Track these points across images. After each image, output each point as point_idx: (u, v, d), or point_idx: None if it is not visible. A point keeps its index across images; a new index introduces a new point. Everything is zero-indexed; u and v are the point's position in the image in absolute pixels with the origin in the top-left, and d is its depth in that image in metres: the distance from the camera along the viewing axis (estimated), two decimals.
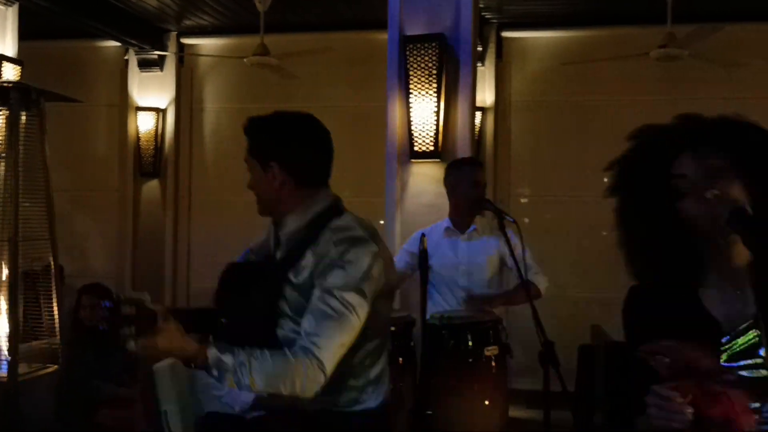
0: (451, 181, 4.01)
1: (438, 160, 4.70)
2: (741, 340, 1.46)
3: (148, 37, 7.13)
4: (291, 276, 2.10)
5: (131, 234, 7.38)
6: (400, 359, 3.63)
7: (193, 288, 7.35)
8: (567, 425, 4.50)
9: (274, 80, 6.63)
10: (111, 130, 7.58)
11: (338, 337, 2.00)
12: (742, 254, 1.47)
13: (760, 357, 1.42)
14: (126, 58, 7.39)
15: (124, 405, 4.49)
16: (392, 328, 3.63)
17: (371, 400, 2.14)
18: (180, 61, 7.37)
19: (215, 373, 1.91)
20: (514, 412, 4.45)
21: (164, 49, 7.27)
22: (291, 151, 2.18)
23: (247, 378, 1.91)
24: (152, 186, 7.39)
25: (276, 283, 2.13)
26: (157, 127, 7.32)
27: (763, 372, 1.41)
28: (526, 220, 6.85)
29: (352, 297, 2.01)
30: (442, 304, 3.91)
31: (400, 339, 3.65)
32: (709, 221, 1.44)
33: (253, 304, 2.15)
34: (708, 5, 6.05)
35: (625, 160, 1.61)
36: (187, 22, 7.08)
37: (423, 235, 3.57)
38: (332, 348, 1.99)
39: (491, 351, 3.54)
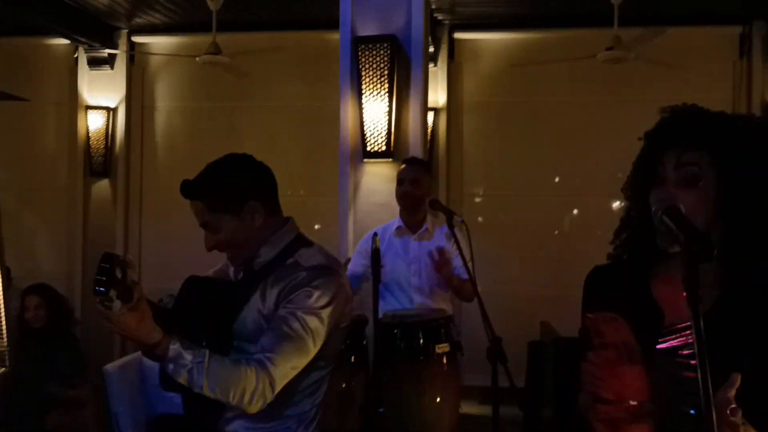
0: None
1: (390, 159, 4.75)
2: (677, 339, 1.51)
3: (98, 34, 7.01)
4: (257, 300, 2.13)
5: (81, 234, 7.25)
6: (353, 358, 3.66)
7: (144, 288, 7.25)
8: (517, 420, 4.58)
9: (227, 79, 6.59)
10: (60, 129, 7.45)
11: (294, 358, 2.03)
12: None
13: (684, 358, 1.48)
14: (75, 56, 7.26)
15: (74, 407, 4.44)
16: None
17: None
18: (131, 60, 7.27)
19: (170, 367, 1.89)
20: (467, 408, 4.52)
21: (115, 47, 7.17)
22: (264, 184, 2.23)
23: (202, 378, 1.91)
24: (102, 185, 7.29)
25: (237, 301, 2.16)
26: (107, 125, 7.20)
27: (688, 372, 1.45)
28: (480, 219, 6.96)
29: (313, 322, 2.05)
30: (394, 303, 3.94)
31: (352, 338, 3.68)
32: (657, 218, 1.48)
33: (210, 318, 2.15)
34: (653, 9, 6.21)
35: (646, 134, 1.63)
36: (138, 20, 6.99)
37: (375, 234, 3.61)
38: (286, 368, 2.02)
39: (442, 348, 3.58)
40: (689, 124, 1.55)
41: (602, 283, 1.67)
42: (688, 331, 1.49)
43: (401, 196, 3.94)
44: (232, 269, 2.32)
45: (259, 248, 2.19)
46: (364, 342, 3.72)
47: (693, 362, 1.40)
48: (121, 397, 3.46)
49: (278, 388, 2.00)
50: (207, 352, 1.93)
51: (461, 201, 6.93)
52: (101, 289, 1.79)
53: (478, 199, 7.08)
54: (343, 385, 3.62)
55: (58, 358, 4.54)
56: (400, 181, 3.96)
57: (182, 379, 1.90)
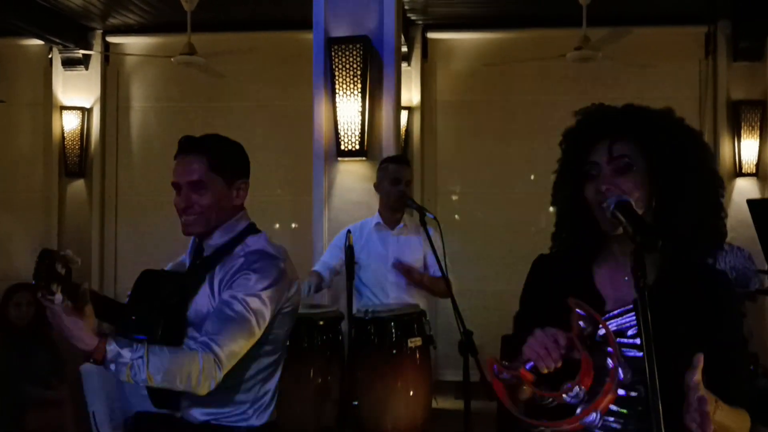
0: (377, 177, 4.13)
1: (364, 158, 4.81)
2: (621, 320, 1.61)
3: (72, 35, 7.01)
4: (206, 289, 2.18)
5: (56, 235, 7.24)
6: (328, 352, 3.71)
7: (119, 288, 7.26)
8: (491, 413, 4.66)
9: (202, 79, 6.63)
10: (35, 130, 7.43)
11: (238, 338, 2.06)
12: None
13: (630, 338, 1.57)
14: (50, 56, 7.26)
15: (52, 407, 4.46)
16: (320, 323, 3.75)
17: (255, 419, 2.21)
18: (106, 60, 7.28)
19: (112, 367, 1.91)
20: (442, 403, 4.59)
21: (89, 47, 7.17)
22: (248, 170, 2.30)
23: (143, 372, 1.92)
24: (78, 186, 7.29)
25: (188, 289, 2.20)
26: (82, 126, 7.21)
27: (634, 353, 1.55)
28: (454, 216, 7.04)
29: (254, 302, 2.09)
30: (372, 298, 4.00)
31: (328, 333, 3.73)
32: (601, 218, 1.58)
33: (162, 307, 2.18)
34: (620, 9, 6.34)
35: (566, 135, 1.71)
36: (113, 21, 7.00)
37: (348, 231, 3.68)
38: (231, 347, 2.05)
39: (415, 342, 3.65)
40: (612, 119, 1.65)
41: (547, 271, 1.74)
42: (631, 314, 1.59)
43: (399, 196, 3.96)
44: (188, 260, 2.34)
45: (213, 230, 2.23)
46: (340, 337, 3.77)
47: (638, 342, 1.52)
48: (98, 396, 3.49)
49: (226, 367, 2.03)
50: (145, 345, 1.96)
51: (435, 199, 7.02)
52: (35, 281, 1.85)
53: (452, 197, 7.17)
54: (319, 380, 3.68)
55: (36, 358, 4.56)
56: (397, 180, 3.99)
57: (126, 376, 1.92)
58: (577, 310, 1.50)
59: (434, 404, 4.00)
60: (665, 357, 1.39)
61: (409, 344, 3.64)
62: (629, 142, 1.61)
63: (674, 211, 1.57)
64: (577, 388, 1.45)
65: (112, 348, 1.91)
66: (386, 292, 4.00)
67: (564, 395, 1.46)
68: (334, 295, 4.41)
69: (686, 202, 1.57)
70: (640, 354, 1.45)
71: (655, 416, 1.36)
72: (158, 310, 2.16)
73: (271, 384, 2.26)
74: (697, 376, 1.41)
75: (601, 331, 1.52)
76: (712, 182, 1.62)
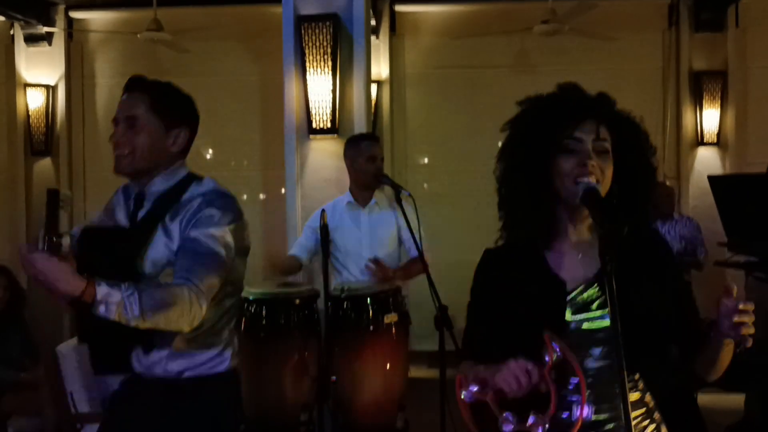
0: (349, 156, 4.13)
1: (336, 135, 4.83)
2: (584, 296, 1.72)
3: (34, 10, 6.85)
4: (161, 239, 2.15)
5: (24, 214, 7.16)
6: (305, 330, 3.76)
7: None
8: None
9: (168, 53, 6.56)
10: None
11: (213, 272, 2.07)
12: (587, 222, 1.76)
13: (597, 310, 1.70)
14: (11, 33, 7.10)
15: (28, 389, 4.47)
16: (297, 301, 3.80)
17: (222, 365, 2.25)
18: (69, 36, 7.16)
19: (102, 308, 1.86)
20: (416, 372, 4.68)
21: (52, 23, 7.03)
22: (195, 122, 2.30)
23: (137, 307, 1.89)
24: (45, 164, 7.19)
25: (139, 242, 2.16)
26: (47, 103, 7.10)
27: (603, 323, 1.69)
28: (425, 188, 7.11)
29: (222, 237, 2.11)
30: (348, 277, 4.06)
31: (304, 310, 3.78)
32: (569, 188, 1.68)
33: (116, 263, 2.13)
34: None
35: (516, 123, 1.80)
36: None
37: (323, 210, 3.72)
38: (209, 280, 2.05)
39: (390, 318, 3.71)
40: (598, 103, 1.75)
41: (497, 265, 1.82)
42: (592, 287, 1.73)
43: (375, 173, 4.00)
44: (122, 212, 2.30)
45: (152, 176, 2.22)
46: (316, 315, 3.82)
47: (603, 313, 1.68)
48: (75, 376, 3.53)
49: (207, 301, 2.04)
50: (133, 284, 1.94)
51: (405, 171, 7.08)
52: (48, 223, 1.82)
53: (422, 170, 7.23)
54: (296, 357, 3.74)
55: (8, 341, 4.56)
56: (372, 158, 4.02)
57: (116, 315, 1.88)
58: (553, 343, 1.57)
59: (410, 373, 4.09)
60: (629, 324, 1.52)
61: (386, 320, 3.70)
62: (607, 129, 1.73)
63: (634, 195, 1.73)
64: (543, 426, 1.56)
65: (102, 288, 1.87)
66: (362, 269, 4.04)
67: (533, 427, 1.57)
68: (309, 273, 4.46)
69: (643, 188, 1.75)
70: (606, 321, 1.65)
71: (622, 384, 1.50)
72: (112, 267, 2.08)
73: (232, 323, 2.30)
74: (732, 300, 1.60)
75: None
76: (654, 170, 1.79)
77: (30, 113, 7.09)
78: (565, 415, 1.63)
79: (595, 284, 1.72)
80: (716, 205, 4.35)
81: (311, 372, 3.70)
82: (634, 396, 1.71)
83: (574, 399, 1.62)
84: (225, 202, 2.18)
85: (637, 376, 1.73)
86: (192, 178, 2.25)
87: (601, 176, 1.69)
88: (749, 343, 1.61)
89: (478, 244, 1.86)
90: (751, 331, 1.59)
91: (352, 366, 3.68)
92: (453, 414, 3.52)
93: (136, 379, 2.25)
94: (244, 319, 3.71)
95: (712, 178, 4.47)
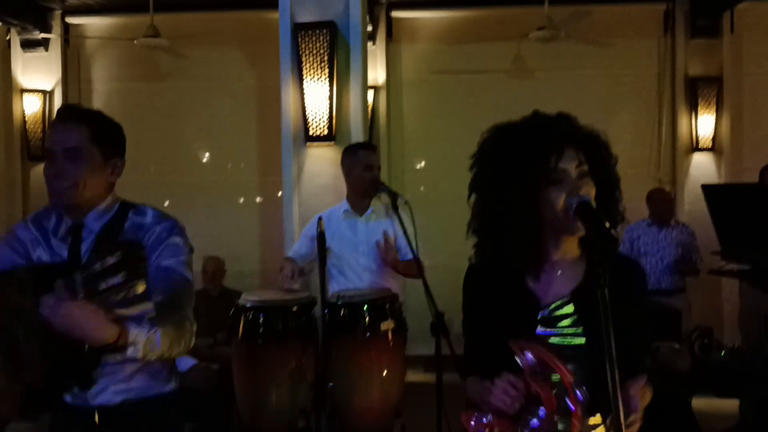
0: (346, 165, 4.16)
1: (332, 143, 4.86)
2: (557, 313, 1.77)
3: (30, 16, 6.88)
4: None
5: (21, 220, 7.15)
6: (302, 337, 3.76)
7: None
8: (459, 385, 4.80)
9: (166, 59, 6.58)
10: None
11: (191, 297, 2.14)
12: (572, 246, 1.81)
13: (571, 328, 1.76)
14: (8, 38, 7.12)
15: None
16: (294, 308, 3.81)
17: (167, 385, 2.24)
18: (66, 42, 7.17)
19: (131, 350, 1.86)
20: (411, 377, 4.70)
21: (48, 28, 7.05)
22: (124, 152, 2.24)
23: (159, 343, 1.91)
24: (42, 169, 7.15)
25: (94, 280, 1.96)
26: (44, 108, 7.11)
27: (577, 340, 1.75)
28: (421, 194, 7.13)
29: (189, 263, 2.16)
30: (345, 283, 4.08)
31: (301, 317, 3.78)
32: (563, 211, 1.71)
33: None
34: None
35: (487, 155, 1.84)
36: (72, 1, 6.88)
37: (320, 218, 3.74)
38: (190, 307, 2.10)
39: (387, 325, 3.72)
40: (573, 129, 1.80)
41: (479, 282, 1.88)
42: (567, 305, 1.78)
43: (372, 182, 4.03)
44: (43, 249, 2.18)
45: (90, 209, 2.15)
46: (313, 322, 3.83)
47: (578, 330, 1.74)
48: None
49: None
50: (148, 320, 1.91)
51: (402, 176, 7.10)
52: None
53: (419, 175, 7.25)
54: (294, 363, 3.74)
55: None
56: (369, 167, 4.04)
57: (142, 353, 1.89)
58: (524, 351, 1.65)
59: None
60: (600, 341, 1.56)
61: (382, 327, 3.71)
62: (585, 152, 1.76)
63: (609, 208, 1.79)
64: (542, 410, 1.65)
65: (132, 329, 1.86)
66: (359, 276, 4.07)
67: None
68: (306, 281, 4.47)
69: (615, 199, 1.81)
70: (577, 339, 1.73)
71: (614, 393, 1.54)
72: None
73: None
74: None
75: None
76: (618, 180, 1.84)
77: (26, 118, 7.11)
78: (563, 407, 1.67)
79: (570, 302, 1.77)
80: (710, 214, 4.38)
81: (308, 378, 3.71)
82: (596, 419, 1.74)
83: (563, 393, 1.66)
84: (180, 228, 2.19)
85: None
86: (126, 206, 2.22)
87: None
88: None
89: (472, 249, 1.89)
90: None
91: (349, 372, 3.69)
92: (449, 419, 3.54)
93: (71, 409, 2.15)
94: (241, 326, 3.72)
95: (705, 187, 4.50)
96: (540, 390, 1.63)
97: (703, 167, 6.84)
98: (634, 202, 4.98)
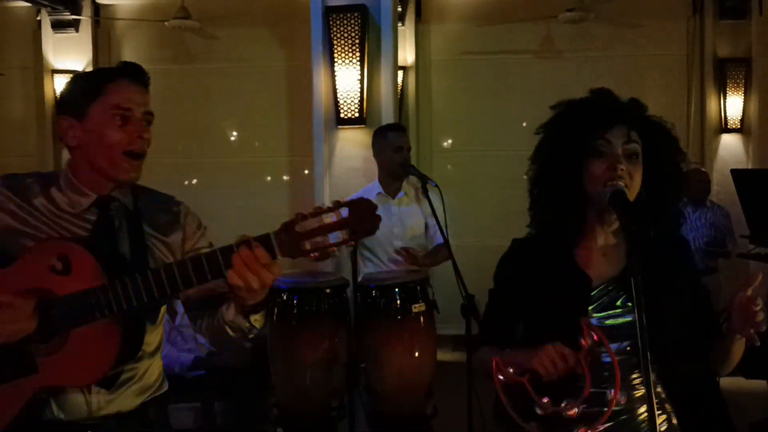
0: (376, 147, 4.22)
1: (363, 125, 4.90)
2: (607, 294, 1.81)
3: None
4: (157, 247, 1.93)
5: None
6: (335, 318, 3.83)
7: None
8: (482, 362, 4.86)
9: (196, 40, 6.62)
10: (26, 94, 7.38)
11: None
12: (614, 226, 1.83)
13: (620, 308, 1.79)
14: (39, 19, 7.19)
15: None
16: (327, 290, 3.88)
17: (165, 382, 2.09)
18: (96, 22, 7.23)
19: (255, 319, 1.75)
20: (441, 356, 4.77)
21: (78, 9, 7.10)
22: None
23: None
24: None
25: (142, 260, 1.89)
26: None
27: (622, 320, 1.78)
28: (450, 174, 7.15)
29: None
30: (377, 264, 4.16)
31: (334, 299, 3.85)
32: (599, 191, 1.74)
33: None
34: None
35: (549, 127, 1.86)
36: None
37: None
38: None
39: (419, 308, 3.78)
40: (629, 108, 1.82)
41: (526, 256, 1.89)
42: (616, 285, 1.81)
43: (402, 163, 4.07)
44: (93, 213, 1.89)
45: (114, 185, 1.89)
46: (345, 304, 3.90)
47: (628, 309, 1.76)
48: None
49: None
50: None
51: (431, 157, 7.13)
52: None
53: (447, 155, 7.27)
54: (327, 344, 3.81)
55: None
56: (399, 148, 4.10)
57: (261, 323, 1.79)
58: (590, 330, 1.66)
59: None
60: (648, 322, 1.58)
61: (413, 310, 3.77)
62: (638, 133, 1.78)
63: (662, 200, 1.79)
64: (576, 408, 1.67)
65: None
66: (390, 258, 4.14)
67: (566, 409, 1.67)
68: (338, 263, 4.55)
69: (671, 194, 1.80)
70: (627, 319, 1.76)
71: (645, 370, 1.58)
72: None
73: None
74: (749, 291, 1.62)
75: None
76: (682, 178, 1.84)
77: (57, 99, 7.16)
78: (597, 398, 1.70)
79: (619, 283, 1.79)
80: (739, 198, 4.38)
81: (341, 359, 3.78)
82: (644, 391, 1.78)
83: (605, 385, 1.71)
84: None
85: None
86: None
87: (630, 180, 1.74)
88: (758, 343, 1.66)
89: (502, 229, 1.92)
90: (762, 328, 1.63)
91: (381, 353, 3.76)
92: (480, 400, 3.61)
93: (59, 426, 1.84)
94: (276, 308, 3.80)
95: (735, 172, 4.49)
96: (587, 372, 1.64)
97: (731, 148, 6.81)
98: None
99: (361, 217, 1.56)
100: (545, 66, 6.81)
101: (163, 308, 2.00)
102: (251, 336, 1.81)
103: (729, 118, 6.80)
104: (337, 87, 4.84)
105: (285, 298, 3.82)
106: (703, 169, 6.24)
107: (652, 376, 1.77)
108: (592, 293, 1.80)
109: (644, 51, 6.71)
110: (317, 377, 3.79)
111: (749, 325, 1.62)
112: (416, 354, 3.80)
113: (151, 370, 1.97)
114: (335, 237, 1.56)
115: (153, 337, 1.96)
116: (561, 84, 6.73)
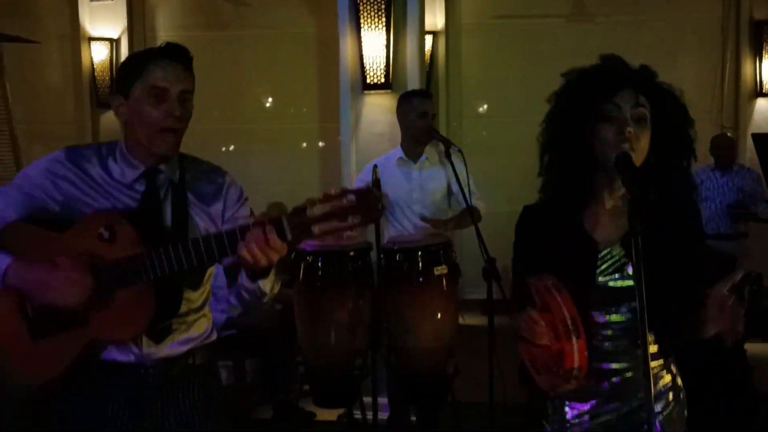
0: (401, 112, 4.24)
1: (389, 91, 4.92)
2: (612, 256, 1.86)
3: None
4: (199, 216, 2.09)
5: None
6: (359, 280, 3.90)
7: None
8: (513, 330, 4.91)
9: (227, 6, 6.67)
10: (64, 62, 7.52)
11: None
12: (622, 190, 1.86)
13: (625, 271, 1.84)
14: None
15: None
16: (351, 253, 3.95)
17: (214, 333, 2.28)
18: None
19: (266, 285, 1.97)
20: (467, 320, 4.84)
21: None
22: None
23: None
24: (111, 117, 7.38)
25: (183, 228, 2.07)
26: (111, 57, 7.31)
27: (627, 282, 1.83)
28: (479, 140, 7.15)
29: None
30: (398, 228, 4.22)
31: (357, 262, 3.92)
32: (607, 155, 1.78)
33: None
34: None
35: (559, 94, 1.90)
36: None
37: (375, 166, 3.84)
38: None
39: (440, 270, 3.82)
40: (637, 73, 1.84)
41: (535, 223, 1.95)
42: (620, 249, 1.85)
43: (427, 129, 4.10)
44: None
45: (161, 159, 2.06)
46: (369, 266, 3.97)
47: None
48: None
49: None
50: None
51: (461, 122, 7.13)
52: None
53: (477, 120, 7.26)
54: (351, 305, 3.90)
55: None
56: (424, 114, 4.11)
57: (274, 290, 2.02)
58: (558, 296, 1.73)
59: (461, 321, 4.22)
60: (650, 284, 1.61)
61: (436, 272, 3.81)
62: (647, 97, 1.80)
63: (670, 166, 1.82)
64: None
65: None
66: (412, 222, 4.19)
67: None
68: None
69: (679, 160, 1.83)
70: (630, 281, 1.80)
71: (642, 333, 1.61)
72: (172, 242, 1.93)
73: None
74: (727, 287, 1.65)
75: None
76: (692, 142, 1.86)
77: (95, 66, 7.32)
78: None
79: (622, 246, 1.84)
80: (760, 162, 4.32)
81: (365, 320, 3.86)
82: (652, 348, 1.84)
83: (607, 360, 1.81)
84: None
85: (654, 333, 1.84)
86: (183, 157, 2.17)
87: (637, 143, 1.77)
88: (729, 342, 1.69)
89: (533, 196, 1.96)
90: (740, 334, 1.66)
91: (403, 315, 3.83)
92: (501, 362, 3.68)
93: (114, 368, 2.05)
94: (302, 270, 3.89)
95: (756, 136, 4.42)
96: (566, 342, 1.71)
97: (766, 112, 6.69)
98: (697, 148, 4.93)
99: (367, 204, 1.74)
100: (576, 30, 6.74)
101: (210, 270, 2.17)
102: (265, 300, 2.03)
103: (764, 82, 6.67)
104: (363, 52, 4.87)
105: (310, 260, 3.90)
106: (728, 134, 6.16)
107: (651, 338, 1.82)
108: (599, 256, 1.85)
109: (678, 14, 6.59)
110: (341, 337, 3.88)
111: (724, 321, 1.66)
112: (438, 315, 3.86)
113: (199, 323, 2.17)
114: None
115: (197, 296, 2.15)
116: (592, 48, 6.54)
